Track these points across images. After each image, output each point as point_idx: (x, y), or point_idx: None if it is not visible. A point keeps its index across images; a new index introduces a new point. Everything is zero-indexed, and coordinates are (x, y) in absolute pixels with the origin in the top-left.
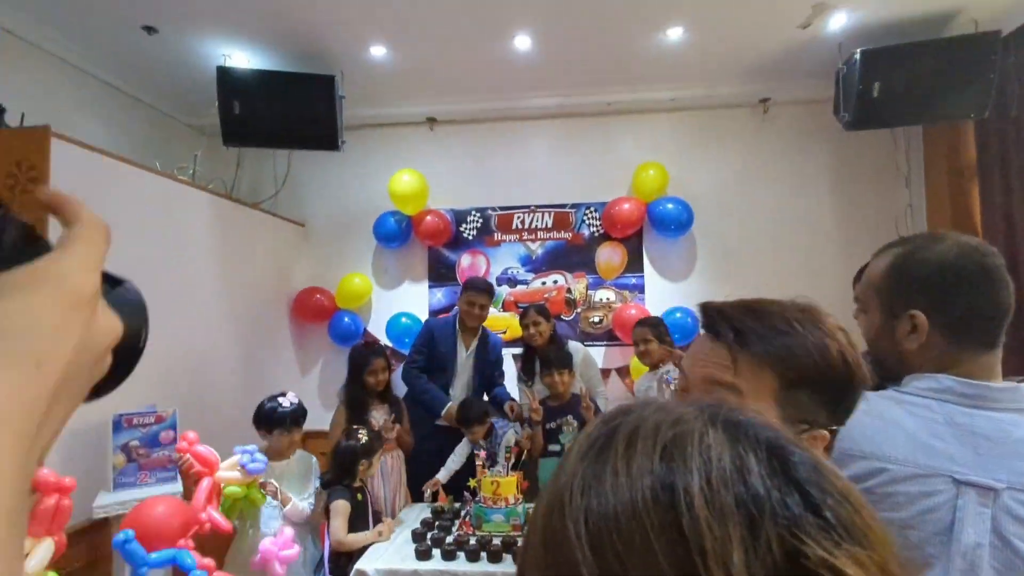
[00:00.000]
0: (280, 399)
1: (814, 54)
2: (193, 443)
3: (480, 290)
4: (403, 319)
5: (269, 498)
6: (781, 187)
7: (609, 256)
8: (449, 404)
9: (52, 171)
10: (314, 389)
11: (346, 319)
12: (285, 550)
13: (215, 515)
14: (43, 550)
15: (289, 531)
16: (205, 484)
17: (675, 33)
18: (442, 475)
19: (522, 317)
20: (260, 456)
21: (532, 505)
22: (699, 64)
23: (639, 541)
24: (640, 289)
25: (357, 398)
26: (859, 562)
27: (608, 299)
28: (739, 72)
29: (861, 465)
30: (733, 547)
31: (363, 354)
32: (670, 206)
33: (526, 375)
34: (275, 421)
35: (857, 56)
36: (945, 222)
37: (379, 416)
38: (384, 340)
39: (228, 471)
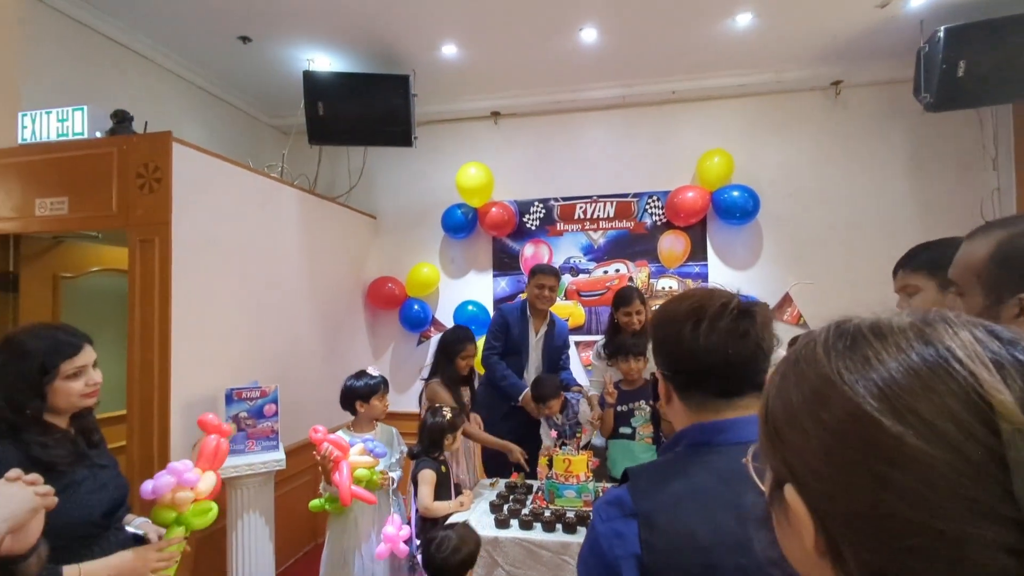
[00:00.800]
0: (369, 370)
1: (892, 33)
2: (326, 434)
3: (548, 273)
4: (469, 307)
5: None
6: (854, 172)
7: (672, 245)
8: (526, 391)
9: (173, 171)
10: (386, 372)
11: (415, 307)
12: (402, 532)
13: (360, 491)
14: (209, 479)
15: (398, 517)
16: (345, 468)
17: (744, 19)
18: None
19: (625, 302)
20: (379, 443)
21: (603, 484)
22: (768, 49)
23: (918, 387)
24: (704, 278)
25: (455, 379)
26: None
27: (671, 287)
28: (810, 55)
29: None
30: (998, 378)
31: (460, 339)
32: (735, 193)
33: (606, 353)
34: (372, 389)
35: (941, 34)
36: None
37: (465, 395)
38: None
39: (358, 456)
